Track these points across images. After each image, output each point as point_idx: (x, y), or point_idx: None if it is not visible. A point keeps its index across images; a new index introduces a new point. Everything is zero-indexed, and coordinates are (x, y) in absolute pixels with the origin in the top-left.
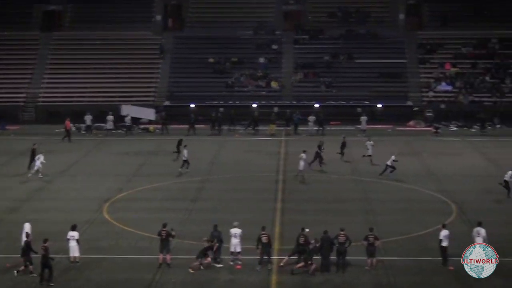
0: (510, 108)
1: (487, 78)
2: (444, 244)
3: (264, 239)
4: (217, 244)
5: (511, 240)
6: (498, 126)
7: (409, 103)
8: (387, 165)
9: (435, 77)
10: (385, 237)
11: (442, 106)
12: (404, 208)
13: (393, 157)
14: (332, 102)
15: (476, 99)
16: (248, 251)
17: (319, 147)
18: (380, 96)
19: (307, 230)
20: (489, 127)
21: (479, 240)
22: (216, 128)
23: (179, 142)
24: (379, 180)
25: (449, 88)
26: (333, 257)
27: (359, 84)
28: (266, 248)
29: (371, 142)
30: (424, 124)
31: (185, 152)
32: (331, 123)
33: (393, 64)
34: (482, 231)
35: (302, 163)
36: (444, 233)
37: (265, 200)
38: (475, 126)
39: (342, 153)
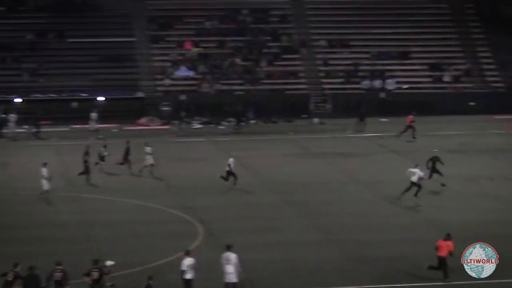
0: (267, 98)
1: (238, 61)
2: (188, 276)
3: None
4: None
5: (268, 266)
6: (252, 121)
7: (140, 94)
8: (229, 171)
9: (172, 60)
10: (113, 270)
11: (182, 97)
12: (136, 232)
13: (231, 160)
14: (38, 95)
15: (225, 87)
16: None
17: (87, 153)
18: (102, 86)
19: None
20: (243, 123)
21: (229, 268)
22: None
23: None
24: (103, 197)
25: (191, 73)
26: None
27: (74, 71)
28: None
29: (150, 148)
30: (159, 121)
31: None
32: (41, 122)
33: (117, 44)
34: (233, 256)
35: (44, 180)
36: (188, 262)
37: None
38: (224, 123)
39: (125, 163)
